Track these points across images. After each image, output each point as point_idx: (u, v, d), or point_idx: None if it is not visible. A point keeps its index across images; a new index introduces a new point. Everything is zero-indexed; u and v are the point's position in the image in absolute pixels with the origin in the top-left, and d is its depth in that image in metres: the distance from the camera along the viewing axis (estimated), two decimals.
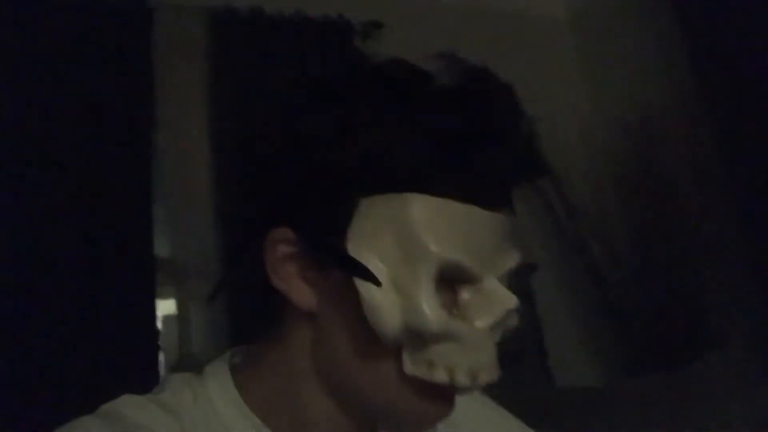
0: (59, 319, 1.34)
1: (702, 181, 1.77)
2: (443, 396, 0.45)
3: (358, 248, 0.43)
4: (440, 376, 0.43)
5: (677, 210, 1.78)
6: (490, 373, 0.43)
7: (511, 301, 0.43)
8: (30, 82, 1.44)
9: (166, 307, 1.85)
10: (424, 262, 0.41)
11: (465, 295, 0.44)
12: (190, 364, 1.59)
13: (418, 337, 0.42)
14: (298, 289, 0.47)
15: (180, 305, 1.68)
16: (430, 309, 0.41)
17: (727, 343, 1.37)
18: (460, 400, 0.50)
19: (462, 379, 0.42)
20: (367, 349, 0.45)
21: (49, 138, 1.43)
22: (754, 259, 1.48)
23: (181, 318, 1.66)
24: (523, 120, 0.46)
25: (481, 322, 0.43)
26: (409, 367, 0.43)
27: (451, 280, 0.43)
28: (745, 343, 1.34)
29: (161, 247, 1.61)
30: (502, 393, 1.05)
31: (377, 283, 0.42)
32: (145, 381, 1.35)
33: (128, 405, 0.47)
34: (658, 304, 1.72)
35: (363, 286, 0.43)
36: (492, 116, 0.44)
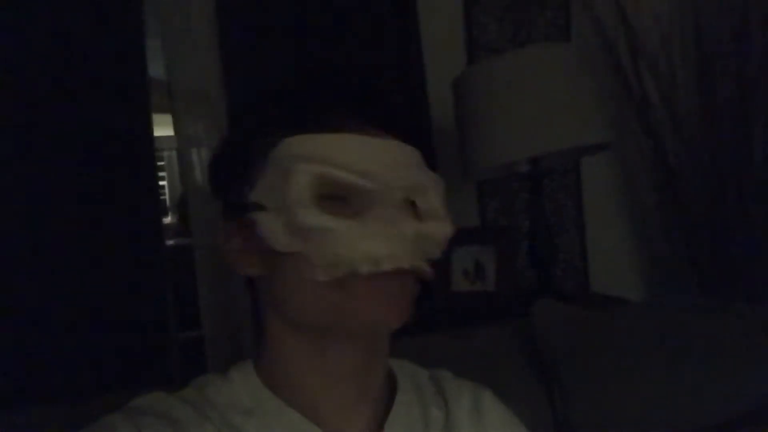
0: (47, 154, 1.23)
1: None
2: (374, 292, 0.49)
3: (257, 193, 0.52)
4: (343, 270, 0.48)
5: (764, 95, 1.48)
6: (394, 261, 0.49)
7: (392, 198, 0.50)
8: None
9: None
10: (294, 177, 0.49)
11: (357, 205, 0.50)
12: (195, 196, 1.47)
13: (310, 242, 0.49)
14: (243, 260, 0.55)
15: (177, 129, 1.52)
16: (298, 207, 0.49)
17: None
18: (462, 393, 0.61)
19: (363, 267, 0.48)
20: (295, 277, 0.51)
21: None
22: None
23: (179, 143, 1.50)
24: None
25: (369, 219, 0.49)
26: (319, 272, 0.49)
27: (342, 197, 0.50)
28: None
29: (156, 69, 1.44)
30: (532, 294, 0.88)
31: (264, 208, 0.51)
32: (147, 206, 1.29)
33: (150, 400, 0.53)
34: (725, 202, 1.48)
35: (255, 217, 0.52)
36: (332, 78, 0.59)
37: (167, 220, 3.00)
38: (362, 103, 0.55)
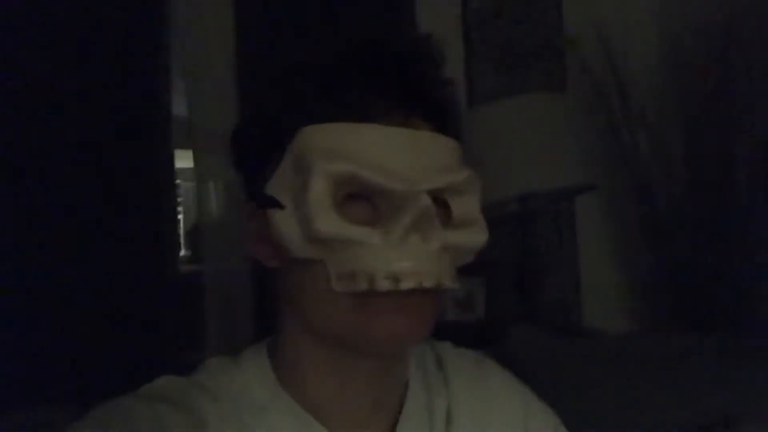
0: (72, 181, 1.32)
1: None
2: (394, 310, 0.45)
3: (273, 186, 0.47)
4: (361, 284, 0.44)
5: (750, 135, 1.57)
6: (416, 278, 0.44)
7: (418, 204, 0.44)
8: None
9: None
10: (314, 178, 0.44)
11: (381, 207, 0.46)
12: (209, 227, 1.57)
13: (328, 250, 0.45)
14: (261, 248, 0.51)
15: (198, 166, 1.62)
16: (317, 214, 0.44)
17: None
18: (461, 367, 0.59)
19: (382, 283, 0.44)
20: (311, 283, 0.47)
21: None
22: None
23: (198, 176, 1.61)
24: (419, 53, 0.50)
25: (392, 227, 0.44)
26: (335, 283, 0.45)
27: (366, 196, 0.46)
28: None
29: (179, 106, 1.56)
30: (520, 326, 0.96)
31: (280, 206, 0.46)
32: (165, 241, 1.38)
33: (167, 386, 0.50)
34: (709, 243, 1.56)
35: (271, 214, 0.47)
36: (369, 49, 0.49)
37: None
38: (397, 86, 0.48)
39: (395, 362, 0.54)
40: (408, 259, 0.44)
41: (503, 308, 1.37)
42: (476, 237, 0.49)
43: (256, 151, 0.50)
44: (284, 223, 0.46)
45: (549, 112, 1.34)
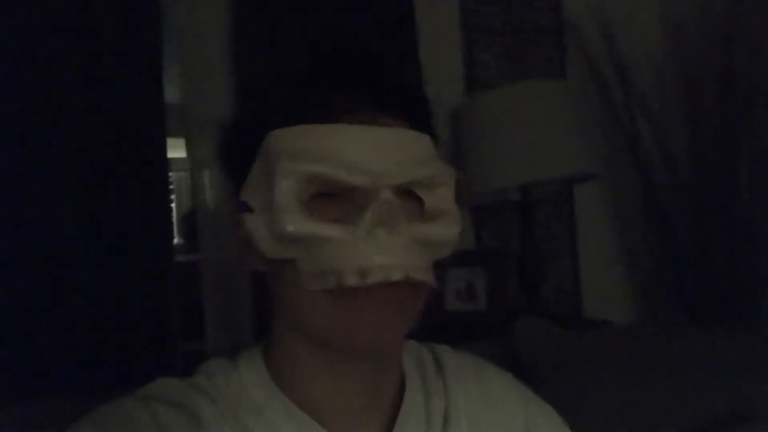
0: (64, 169, 1.29)
1: None
2: (373, 310, 0.46)
3: (245, 191, 0.49)
4: (330, 282, 0.45)
5: (753, 123, 1.55)
6: (383, 272, 0.44)
7: (379, 199, 0.44)
8: None
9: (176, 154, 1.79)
10: (278, 178, 0.45)
11: (347, 204, 0.46)
12: (203, 213, 1.54)
13: (298, 249, 0.46)
14: (248, 254, 0.51)
15: (191, 153, 1.59)
16: (283, 214, 0.45)
17: None
18: (458, 367, 0.59)
19: (350, 279, 0.44)
20: (291, 283, 0.48)
21: None
22: None
23: (192, 166, 1.58)
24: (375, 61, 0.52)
25: (358, 223, 0.44)
26: (308, 281, 0.46)
27: (333, 195, 0.47)
28: None
29: (172, 94, 1.52)
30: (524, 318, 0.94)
31: (249, 209, 0.48)
32: (157, 228, 1.35)
33: (165, 387, 0.50)
34: (711, 233, 1.54)
35: (242, 218, 0.49)
36: (330, 58, 0.51)
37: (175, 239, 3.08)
38: (363, 83, 0.49)
39: (387, 360, 0.54)
40: (374, 253, 0.44)
41: (505, 298, 1.35)
42: (448, 230, 0.49)
43: (234, 160, 0.52)
44: (255, 225, 0.48)
45: (549, 100, 1.32)
